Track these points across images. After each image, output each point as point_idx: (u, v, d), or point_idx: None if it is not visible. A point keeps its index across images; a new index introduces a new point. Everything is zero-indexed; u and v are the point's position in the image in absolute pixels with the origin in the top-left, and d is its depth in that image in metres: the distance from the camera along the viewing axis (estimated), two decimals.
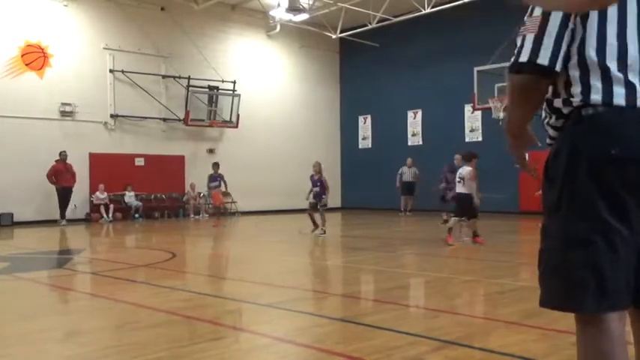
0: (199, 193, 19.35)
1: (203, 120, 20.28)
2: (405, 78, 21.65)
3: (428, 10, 18.70)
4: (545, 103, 1.83)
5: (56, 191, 16.60)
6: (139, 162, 19.02)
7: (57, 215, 16.59)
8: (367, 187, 22.30)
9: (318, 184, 12.35)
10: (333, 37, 21.95)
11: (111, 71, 18.69)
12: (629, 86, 1.67)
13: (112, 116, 18.67)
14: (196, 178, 19.12)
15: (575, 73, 1.72)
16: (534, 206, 13.85)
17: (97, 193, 17.85)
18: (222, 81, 20.61)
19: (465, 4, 17.65)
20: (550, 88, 1.80)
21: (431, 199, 16.46)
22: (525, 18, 1.79)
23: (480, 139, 19.52)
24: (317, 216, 12.31)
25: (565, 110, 1.75)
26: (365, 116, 23.77)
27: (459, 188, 10.18)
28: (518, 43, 1.77)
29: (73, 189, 16.91)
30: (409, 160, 19.46)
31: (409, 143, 21.95)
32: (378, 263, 8.47)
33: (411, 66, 21.31)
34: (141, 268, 8.25)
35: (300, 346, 4.04)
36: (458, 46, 19.51)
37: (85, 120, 18.10)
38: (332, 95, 24.48)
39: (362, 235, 13.40)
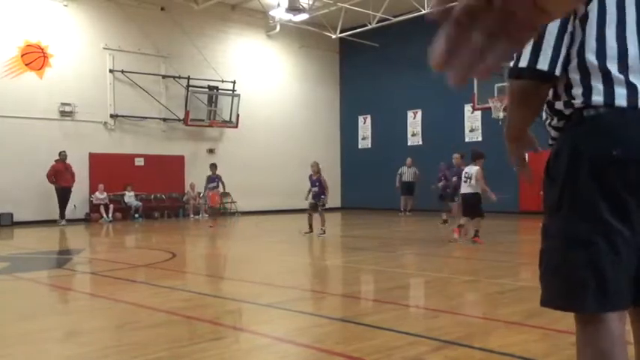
0: (199, 193, 19.34)
1: (203, 120, 20.28)
2: (404, 78, 21.66)
3: (428, 10, 18.71)
4: (546, 105, 1.83)
5: (55, 191, 16.60)
6: (139, 162, 19.02)
7: (57, 215, 16.58)
8: (367, 187, 22.30)
9: (317, 184, 12.34)
10: (333, 37, 21.95)
11: (111, 71, 18.69)
12: (631, 87, 1.67)
13: (111, 116, 18.67)
14: (196, 178, 19.11)
15: (575, 76, 1.72)
16: (534, 206, 13.87)
17: (97, 193, 17.84)
18: (222, 81, 20.61)
19: None
20: (550, 91, 1.80)
21: (431, 199, 16.47)
22: None
23: (480, 139, 19.52)
24: (316, 216, 12.31)
25: (566, 112, 1.75)
26: (365, 116, 23.78)
27: (465, 188, 10.14)
28: None
29: (72, 189, 16.90)
30: (409, 160, 19.47)
31: (409, 143, 21.95)
32: (378, 263, 8.47)
33: (410, 66, 21.29)
34: (141, 268, 8.25)
35: (300, 346, 4.04)
36: None
37: (84, 120, 18.10)
38: (332, 95, 24.48)
39: (362, 235, 13.40)
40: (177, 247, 11.30)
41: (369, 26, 20.52)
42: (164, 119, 19.75)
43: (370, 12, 19.78)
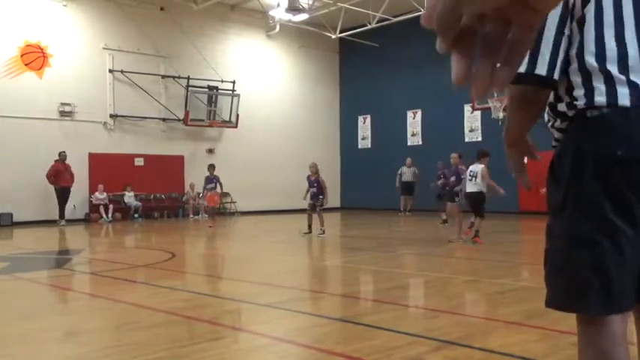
0: (199, 194, 19.34)
1: (202, 120, 20.28)
2: (404, 78, 21.66)
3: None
4: (548, 108, 1.83)
5: (55, 191, 16.59)
6: (139, 162, 19.02)
7: (56, 215, 16.58)
8: (367, 187, 22.30)
9: (315, 184, 12.34)
10: (333, 37, 21.95)
11: (110, 71, 18.69)
12: (633, 86, 1.66)
13: (111, 116, 18.67)
14: (196, 178, 19.10)
15: (576, 78, 1.72)
16: (534, 206, 13.88)
17: (97, 193, 17.84)
18: (222, 81, 20.61)
19: None
20: (552, 94, 1.79)
21: (430, 199, 16.48)
22: None
23: (480, 139, 19.51)
24: (316, 216, 12.30)
25: (569, 113, 1.74)
26: (364, 116, 23.78)
27: (471, 186, 10.17)
28: None
29: (72, 189, 16.89)
30: (409, 160, 19.47)
31: (409, 143, 21.96)
32: (378, 263, 8.47)
33: (410, 66, 21.31)
34: (140, 269, 8.25)
35: (299, 346, 4.04)
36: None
37: (84, 120, 18.09)
38: (331, 95, 24.48)
39: (361, 235, 13.40)
40: (176, 247, 11.30)
41: (369, 26, 20.52)
42: (164, 119, 19.75)
43: (370, 12, 19.78)
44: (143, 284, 6.91)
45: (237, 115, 20.75)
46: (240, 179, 20.09)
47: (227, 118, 20.69)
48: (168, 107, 19.69)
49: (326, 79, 24.20)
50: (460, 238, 10.52)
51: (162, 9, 19.66)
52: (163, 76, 19.79)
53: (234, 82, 20.79)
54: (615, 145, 1.64)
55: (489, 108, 17.49)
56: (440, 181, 14.67)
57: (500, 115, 16.54)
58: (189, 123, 19.92)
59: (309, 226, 12.34)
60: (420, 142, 21.65)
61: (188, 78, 19.86)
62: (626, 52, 1.68)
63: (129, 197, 18.44)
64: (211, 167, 15.94)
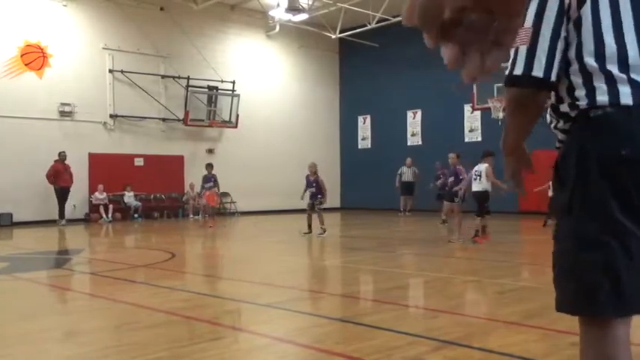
0: (198, 193, 19.34)
1: (202, 120, 20.28)
2: (404, 78, 21.66)
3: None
4: (550, 109, 1.82)
5: (54, 191, 16.58)
6: (139, 162, 19.02)
7: (56, 215, 16.57)
8: (366, 188, 22.30)
9: (314, 184, 12.35)
10: (333, 37, 21.95)
11: (110, 71, 18.68)
12: (634, 85, 1.66)
13: (111, 116, 18.67)
14: (195, 179, 19.07)
15: (577, 79, 1.71)
16: (534, 206, 13.87)
17: (97, 193, 17.84)
18: (222, 81, 20.61)
19: None
20: (553, 95, 1.78)
21: (430, 199, 16.49)
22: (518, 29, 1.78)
23: (480, 139, 19.51)
24: (316, 216, 12.31)
25: (572, 113, 1.74)
26: (364, 116, 23.78)
27: (476, 186, 10.30)
28: (512, 56, 1.77)
29: (71, 189, 16.88)
30: (409, 160, 19.47)
31: (408, 143, 21.96)
32: (378, 263, 8.47)
33: (410, 66, 21.30)
34: (140, 269, 8.25)
35: (299, 346, 4.04)
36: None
37: (84, 120, 18.09)
38: (331, 95, 24.48)
39: (361, 235, 13.40)
40: (176, 247, 11.30)
41: (369, 26, 20.52)
42: (163, 119, 19.74)
43: (370, 12, 19.78)
44: (143, 284, 6.91)
45: (237, 115, 20.74)
46: (240, 179, 20.10)
47: (227, 118, 20.69)
48: (168, 107, 19.69)
49: (326, 79, 24.21)
50: (460, 238, 10.52)
51: (162, 9, 19.65)
52: (163, 76, 19.79)
53: (234, 82, 20.79)
54: (619, 144, 1.64)
55: (489, 108, 17.49)
56: (439, 182, 14.67)
57: (500, 115, 16.55)
58: (189, 123, 19.92)
59: (309, 226, 12.34)
60: (420, 142, 21.65)
61: (188, 78, 19.85)
62: (626, 52, 1.68)
63: (129, 197, 18.44)
64: (209, 166, 15.93)
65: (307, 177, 12.55)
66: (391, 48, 21.71)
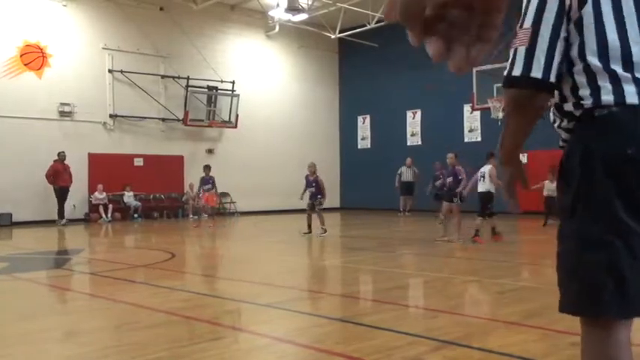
0: (198, 194, 19.33)
1: (202, 120, 20.27)
2: (404, 78, 21.66)
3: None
4: (554, 108, 1.81)
5: (54, 191, 16.58)
6: (138, 162, 19.01)
7: (56, 215, 16.55)
8: (366, 188, 22.30)
9: (314, 184, 12.35)
10: (332, 37, 21.95)
11: (110, 71, 18.68)
12: (639, 84, 1.66)
13: (110, 116, 18.66)
14: (195, 179, 19.01)
15: (581, 78, 1.70)
16: (533, 206, 13.87)
17: (96, 193, 17.83)
18: (222, 81, 20.61)
19: None
20: (557, 94, 1.77)
21: (430, 199, 16.48)
22: (517, 29, 1.76)
23: (479, 139, 19.52)
24: (316, 216, 12.31)
25: (576, 113, 1.72)
26: (364, 116, 23.78)
27: (480, 186, 10.43)
28: (510, 57, 1.76)
29: (71, 189, 16.87)
30: (408, 160, 19.48)
31: (408, 143, 21.96)
32: (377, 263, 8.48)
33: (410, 66, 21.27)
34: (140, 269, 8.25)
35: (299, 346, 4.04)
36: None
37: (84, 120, 18.09)
38: (331, 95, 24.48)
39: (361, 235, 13.40)
40: (176, 247, 11.29)
41: (368, 26, 20.52)
42: (163, 119, 19.74)
43: (369, 12, 19.78)
44: (143, 284, 6.91)
45: (237, 116, 20.74)
46: (240, 179, 20.10)
47: (227, 118, 20.68)
48: (168, 107, 19.68)
49: (325, 79, 24.21)
50: (460, 238, 10.52)
51: (161, 9, 19.65)
52: (163, 76, 19.79)
53: (233, 83, 20.79)
54: (625, 143, 1.63)
55: (489, 108, 17.49)
56: (438, 182, 14.67)
57: (500, 115, 16.54)
58: (189, 123, 19.91)
59: (309, 226, 12.34)
60: (420, 142, 21.65)
61: (188, 78, 19.85)
62: (630, 51, 1.67)
63: (128, 197, 18.44)
64: (207, 168, 15.79)
65: (307, 177, 12.55)
66: (391, 48, 21.69)
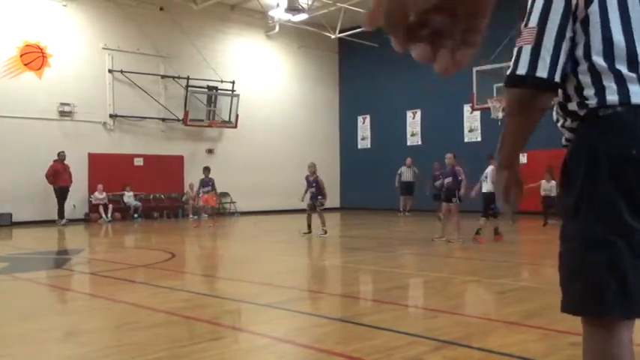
0: (198, 194, 19.32)
1: (202, 120, 20.27)
2: (403, 78, 21.65)
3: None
4: (558, 107, 1.80)
5: (54, 191, 16.58)
6: (138, 162, 19.01)
7: (56, 215, 16.55)
8: (366, 188, 22.30)
9: (314, 184, 12.34)
10: (332, 37, 21.94)
11: (110, 71, 18.68)
12: None
13: (110, 116, 18.66)
14: (195, 179, 18.99)
15: (586, 78, 1.69)
16: (532, 206, 13.87)
17: (96, 193, 17.83)
18: (222, 81, 20.61)
19: None
20: (561, 93, 1.76)
21: (430, 199, 16.47)
22: (522, 28, 1.75)
23: (479, 139, 19.52)
24: (316, 217, 12.31)
25: (581, 112, 1.72)
26: (364, 116, 23.78)
27: (484, 187, 10.54)
28: (514, 55, 1.74)
29: (71, 189, 16.86)
30: (408, 160, 19.48)
31: (408, 143, 21.96)
32: (377, 263, 8.48)
33: (409, 66, 21.20)
34: (140, 269, 8.25)
35: (299, 346, 4.04)
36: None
37: (84, 120, 18.09)
38: (331, 95, 24.49)
39: (361, 235, 13.40)
40: (176, 247, 11.29)
41: None
42: (163, 119, 19.74)
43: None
44: (143, 284, 6.91)
45: (237, 116, 20.74)
46: (240, 179, 20.10)
47: (227, 118, 20.68)
48: (168, 107, 19.68)
49: (325, 79, 24.20)
50: (460, 238, 10.52)
51: (161, 9, 19.65)
52: (163, 76, 19.79)
53: (233, 83, 20.79)
54: (629, 143, 1.62)
55: (489, 108, 17.49)
56: (437, 182, 14.66)
57: (500, 115, 16.54)
58: (189, 123, 19.91)
59: (309, 226, 12.34)
60: (420, 142, 21.65)
61: (188, 78, 19.85)
62: (635, 51, 1.67)
63: (128, 197, 18.44)
64: (206, 170, 15.61)
65: (307, 177, 12.53)
66: (391, 48, 20.69)
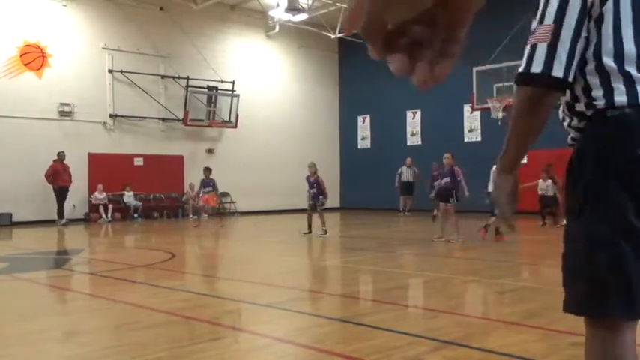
0: (198, 194, 19.30)
1: (202, 120, 20.28)
2: (403, 78, 21.59)
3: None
4: (565, 107, 1.79)
5: (54, 191, 16.58)
6: (138, 162, 19.02)
7: (56, 215, 16.54)
8: (366, 188, 22.30)
9: (315, 185, 12.33)
10: (332, 37, 21.94)
11: (110, 71, 18.68)
12: None
13: (110, 116, 18.66)
14: (195, 179, 19.00)
15: (594, 79, 1.68)
16: (530, 206, 13.88)
17: (96, 193, 17.83)
18: (222, 81, 20.61)
19: None
20: (568, 93, 1.75)
21: (431, 199, 16.48)
22: (535, 25, 1.72)
23: (479, 139, 19.53)
24: (316, 217, 12.31)
25: (588, 113, 1.70)
26: (364, 116, 23.78)
27: (490, 187, 10.63)
28: (527, 53, 1.70)
29: (70, 189, 16.86)
30: (408, 160, 19.47)
31: (408, 143, 21.96)
32: (377, 263, 8.48)
33: None
34: (140, 269, 8.25)
35: (299, 346, 4.04)
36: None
37: (84, 120, 18.09)
38: (331, 95, 24.49)
39: (361, 235, 13.40)
40: (176, 247, 11.29)
41: None
42: (163, 119, 19.74)
43: None
44: (143, 284, 6.91)
45: (237, 116, 20.74)
46: (240, 179, 20.10)
47: (227, 118, 20.69)
48: (168, 107, 19.69)
49: (325, 79, 24.20)
50: (460, 238, 10.52)
51: (161, 9, 19.65)
52: (163, 76, 19.79)
53: (233, 83, 20.79)
54: (636, 144, 1.61)
55: (489, 108, 17.49)
56: (436, 183, 14.65)
57: (500, 115, 16.53)
58: (189, 123, 19.92)
59: (309, 226, 12.34)
60: (420, 142, 21.65)
61: (188, 78, 19.85)
62: None
63: (128, 197, 18.44)
64: (207, 171, 15.43)
65: (307, 178, 12.52)
66: None
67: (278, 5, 19.60)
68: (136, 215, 18.25)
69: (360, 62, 23.28)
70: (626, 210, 1.61)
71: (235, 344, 4.16)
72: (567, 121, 1.79)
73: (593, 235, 1.64)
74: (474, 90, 17.72)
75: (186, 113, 19.79)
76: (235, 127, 20.82)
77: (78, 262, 9.19)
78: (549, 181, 13.95)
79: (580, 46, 1.68)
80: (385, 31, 0.56)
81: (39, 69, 17.37)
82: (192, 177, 19.24)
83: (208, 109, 20.36)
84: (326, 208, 12.66)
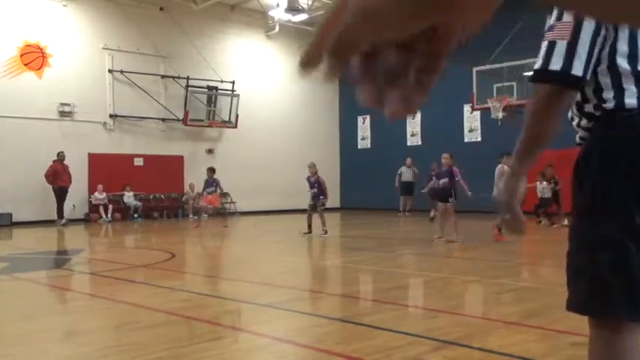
0: (198, 194, 19.31)
1: (202, 120, 20.28)
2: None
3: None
4: (575, 106, 1.78)
5: (53, 191, 16.58)
6: (138, 162, 19.01)
7: (55, 215, 16.54)
8: (366, 188, 22.30)
9: (315, 185, 12.33)
10: None
11: (110, 71, 18.68)
12: None
13: (110, 116, 18.67)
14: (195, 179, 19.07)
15: (605, 79, 1.68)
16: (529, 206, 13.90)
17: (96, 193, 17.83)
18: (222, 81, 20.61)
19: None
20: (578, 93, 1.73)
21: (429, 199, 16.47)
22: (552, 21, 1.69)
23: (479, 139, 19.53)
24: (316, 217, 12.31)
25: (597, 113, 1.70)
26: (364, 116, 23.77)
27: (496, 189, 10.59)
28: (544, 49, 1.68)
29: (70, 189, 16.86)
30: (408, 160, 19.46)
31: (408, 143, 21.95)
32: (377, 263, 8.48)
33: None
34: (140, 269, 8.25)
35: (299, 346, 4.04)
36: (457, 47, 19.51)
37: (83, 120, 18.09)
38: (331, 95, 24.47)
39: (361, 235, 13.40)
40: (176, 247, 11.29)
41: None
42: (163, 119, 19.74)
43: None
44: (143, 284, 6.91)
45: (237, 116, 20.74)
46: (240, 179, 20.09)
47: (227, 119, 20.69)
48: (168, 107, 19.69)
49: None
50: (459, 238, 10.52)
51: (161, 9, 19.65)
52: (163, 76, 19.79)
53: (233, 83, 20.79)
54: None
55: (489, 108, 17.49)
56: (432, 182, 14.65)
57: (500, 115, 16.53)
58: (189, 123, 19.92)
59: (309, 226, 12.34)
60: (420, 143, 21.64)
61: (188, 78, 19.85)
62: None
63: (128, 197, 18.44)
64: (210, 171, 15.40)
65: (308, 178, 12.52)
66: None
67: (278, 5, 19.60)
68: (136, 215, 18.25)
69: None
70: (633, 210, 1.60)
71: (235, 344, 4.16)
72: (576, 120, 1.79)
73: (599, 234, 1.64)
74: (474, 90, 17.72)
75: (186, 113, 19.79)
76: (235, 127, 20.83)
77: (78, 262, 9.19)
78: (545, 182, 14.02)
79: (599, 45, 1.67)
80: (356, 52, 0.51)
81: (39, 69, 17.37)
82: (192, 177, 19.25)
83: (208, 109, 20.36)
84: (326, 208, 12.65)
